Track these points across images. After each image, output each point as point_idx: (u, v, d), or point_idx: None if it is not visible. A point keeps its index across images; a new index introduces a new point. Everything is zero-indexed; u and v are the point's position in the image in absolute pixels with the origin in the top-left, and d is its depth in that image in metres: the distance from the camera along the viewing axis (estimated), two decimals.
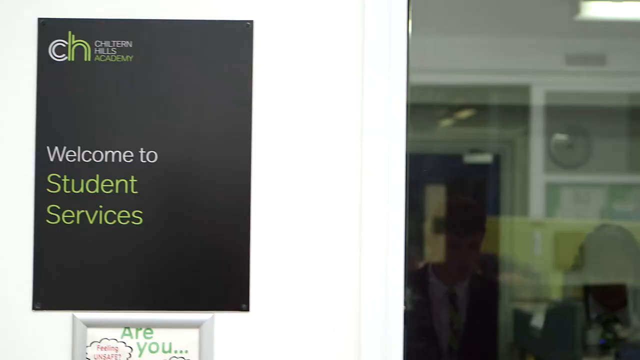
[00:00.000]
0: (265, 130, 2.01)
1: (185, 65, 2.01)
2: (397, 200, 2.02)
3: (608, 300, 4.46)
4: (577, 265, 4.96)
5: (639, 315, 4.63)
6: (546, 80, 5.91)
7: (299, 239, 2.01)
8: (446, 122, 6.49)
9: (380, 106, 2.02)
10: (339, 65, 2.02)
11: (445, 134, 6.59)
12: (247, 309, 2.00)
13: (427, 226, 6.35)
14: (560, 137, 6.54)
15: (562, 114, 6.33)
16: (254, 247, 2.00)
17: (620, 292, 4.48)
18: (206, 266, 2.00)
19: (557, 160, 6.46)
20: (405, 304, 2.04)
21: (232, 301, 2.01)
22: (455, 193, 6.37)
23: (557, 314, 4.97)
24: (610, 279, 4.54)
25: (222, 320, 2.00)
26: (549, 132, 6.53)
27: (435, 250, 6.40)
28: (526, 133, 6.56)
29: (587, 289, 4.81)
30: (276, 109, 2.01)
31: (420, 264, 4.79)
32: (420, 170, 6.09)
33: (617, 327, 4.31)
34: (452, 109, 6.25)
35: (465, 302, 3.93)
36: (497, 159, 6.52)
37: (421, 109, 5.83)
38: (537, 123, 6.45)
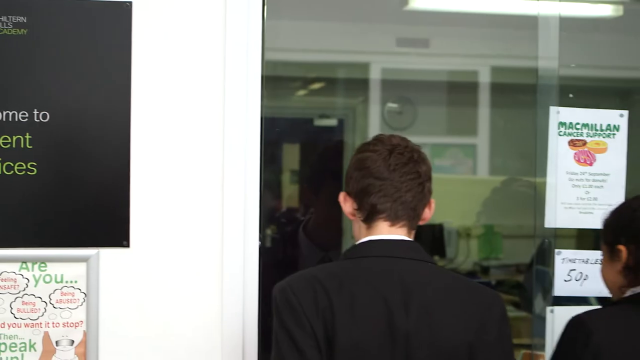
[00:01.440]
0: (143, 95, 2.00)
1: (73, 39, 1.98)
2: (253, 156, 2.05)
3: None
4: None
5: None
6: (381, 59, 6.00)
7: (171, 187, 2.02)
8: (301, 92, 6.54)
9: (239, 78, 2.03)
10: (205, 44, 2.03)
11: (300, 102, 6.63)
12: (127, 245, 2.01)
13: (285, 177, 6.44)
14: (392, 105, 6.70)
15: (393, 87, 6.47)
16: (133, 192, 2.00)
17: None
18: (92, 209, 1.99)
19: (389, 124, 6.59)
20: (260, 239, 2.08)
21: (114, 239, 2.01)
22: (306, 151, 6.48)
23: None
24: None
25: (106, 255, 2.00)
26: (383, 101, 6.66)
27: (290, 196, 6.49)
28: (365, 102, 6.67)
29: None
30: (152, 78, 2.01)
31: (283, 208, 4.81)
32: (278, 131, 6.17)
33: None
34: (306, 82, 6.30)
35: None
36: (341, 122, 6.62)
37: (281, 81, 5.86)
38: (374, 94, 6.57)
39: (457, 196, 6.50)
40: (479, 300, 1.71)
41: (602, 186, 2.38)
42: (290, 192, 6.44)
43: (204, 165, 2.03)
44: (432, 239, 6.04)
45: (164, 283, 2.03)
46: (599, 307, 1.88)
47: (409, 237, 1.75)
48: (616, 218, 1.84)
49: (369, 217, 1.73)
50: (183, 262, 2.03)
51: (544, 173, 2.36)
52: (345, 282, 1.66)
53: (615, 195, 2.37)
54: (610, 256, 1.83)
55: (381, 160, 1.71)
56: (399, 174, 1.71)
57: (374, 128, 6.56)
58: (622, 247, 1.79)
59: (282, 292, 1.67)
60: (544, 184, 2.37)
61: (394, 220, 1.72)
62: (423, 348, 1.63)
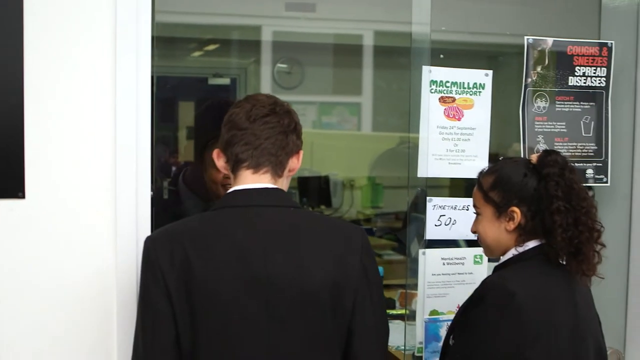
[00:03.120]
0: (36, 51, 1.91)
1: None
2: (143, 113, 1.99)
3: None
4: None
5: None
6: (272, 22, 5.96)
7: (65, 142, 1.95)
8: (197, 53, 6.44)
9: (129, 39, 1.97)
10: (97, 5, 1.94)
11: (196, 62, 6.54)
12: (23, 197, 1.92)
13: (181, 134, 6.35)
14: (281, 65, 6.69)
15: (283, 48, 6.45)
16: (28, 147, 1.92)
17: None
18: None
19: (279, 83, 6.59)
20: (152, 190, 2.04)
21: (10, 190, 1.92)
22: (200, 108, 6.40)
23: None
24: None
25: (2, 206, 1.91)
26: (273, 62, 6.64)
27: (187, 153, 6.40)
28: (257, 62, 6.64)
29: None
30: (45, 36, 1.92)
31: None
32: (174, 89, 6.07)
33: None
34: (201, 43, 6.19)
35: None
36: (234, 82, 6.58)
37: (177, 42, 5.74)
38: (265, 55, 6.53)
39: (343, 151, 6.61)
40: (340, 236, 1.72)
41: (469, 139, 2.44)
42: (186, 148, 6.37)
43: (97, 119, 1.96)
44: (319, 190, 6.10)
45: (59, 234, 1.95)
46: (498, 265, 1.89)
47: (274, 184, 1.73)
48: (506, 182, 1.85)
49: (235, 167, 1.73)
50: (77, 212, 1.96)
51: (417, 129, 2.39)
52: (204, 234, 1.66)
53: (480, 147, 2.44)
54: (498, 216, 1.86)
55: (243, 113, 1.72)
56: (259, 124, 1.71)
57: (265, 87, 6.54)
58: (516, 209, 1.83)
59: (145, 245, 1.67)
60: (417, 139, 2.40)
61: (256, 167, 1.71)
62: (287, 292, 1.63)
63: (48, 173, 1.93)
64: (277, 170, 1.73)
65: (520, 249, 1.84)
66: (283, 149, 1.73)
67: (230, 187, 1.75)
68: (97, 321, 1.97)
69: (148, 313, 1.64)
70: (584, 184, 2.62)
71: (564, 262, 1.81)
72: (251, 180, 1.71)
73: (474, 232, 1.96)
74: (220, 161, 1.76)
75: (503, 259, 1.89)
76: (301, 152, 1.79)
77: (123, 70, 1.95)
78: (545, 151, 1.87)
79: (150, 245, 1.66)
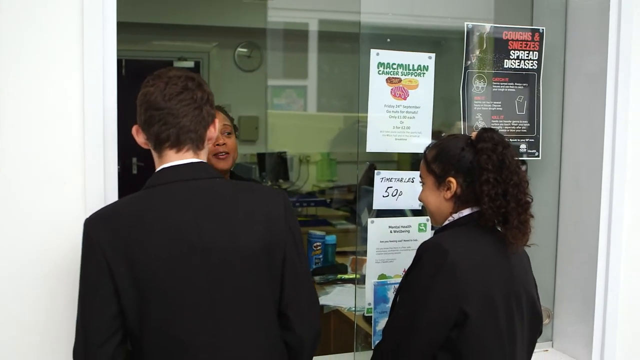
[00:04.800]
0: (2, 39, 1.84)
1: None
2: (109, 91, 1.95)
3: None
4: None
5: None
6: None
7: (35, 123, 1.90)
8: (162, 37, 6.36)
9: (96, 25, 1.92)
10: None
11: (161, 46, 6.45)
12: None
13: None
14: (242, 50, 6.63)
15: (242, 33, 6.39)
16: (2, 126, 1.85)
17: None
18: None
19: (239, 66, 6.55)
20: (119, 165, 2.01)
21: None
22: None
23: None
24: None
25: None
26: (234, 46, 6.59)
27: None
28: (219, 46, 6.57)
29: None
30: (15, 24, 1.85)
31: None
32: (140, 72, 5.96)
33: None
34: (167, 27, 6.10)
35: None
36: (197, 65, 6.52)
37: (142, 27, 5.65)
38: (227, 40, 6.48)
39: (294, 129, 6.62)
40: (266, 200, 1.72)
41: (413, 117, 2.45)
42: None
43: (66, 98, 1.92)
44: (276, 165, 6.09)
45: (32, 200, 1.90)
46: (442, 232, 1.92)
47: (197, 158, 1.71)
48: (445, 155, 1.88)
49: (157, 147, 1.70)
50: (49, 180, 1.91)
51: (365, 108, 2.39)
52: (140, 212, 1.63)
53: (424, 124, 2.45)
54: (438, 186, 1.89)
55: (158, 92, 1.67)
56: (175, 102, 1.67)
57: (226, 70, 6.51)
58: (452, 179, 1.86)
59: (85, 226, 1.62)
60: (366, 117, 2.40)
61: (178, 146, 1.68)
62: (222, 258, 1.63)
63: (20, 148, 1.88)
64: (198, 144, 1.71)
65: (456, 216, 1.87)
66: (200, 123, 1.70)
67: (156, 164, 1.72)
68: (65, 299, 1.93)
69: (88, 291, 1.61)
70: (518, 158, 2.67)
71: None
72: (175, 158, 1.69)
73: (420, 200, 1.99)
74: (140, 137, 1.73)
75: (440, 226, 1.93)
76: (216, 121, 1.76)
77: (90, 56, 1.91)
78: (483, 129, 1.89)
79: (89, 227, 1.62)
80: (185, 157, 1.69)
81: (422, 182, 1.96)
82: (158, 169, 1.70)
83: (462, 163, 1.85)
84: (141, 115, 1.69)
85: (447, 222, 1.90)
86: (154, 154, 1.72)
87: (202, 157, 1.73)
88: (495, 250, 1.82)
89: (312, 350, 1.81)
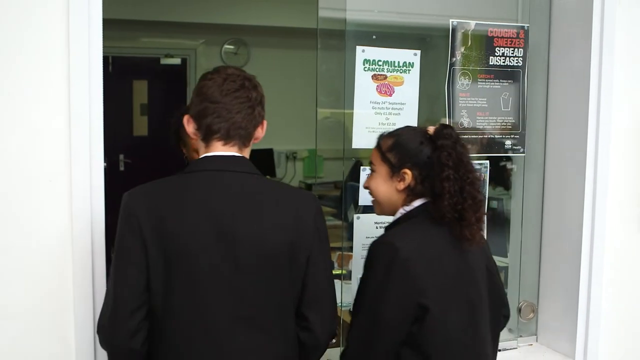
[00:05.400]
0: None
1: None
2: (96, 88, 1.94)
3: None
4: None
5: None
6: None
7: (19, 120, 1.88)
8: (149, 34, 6.33)
9: (82, 20, 1.91)
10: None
11: (148, 43, 6.42)
12: None
13: (135, 109, 6.25)
14: (228, 46, 6.62)
15: (230, 30, 6.37)
16: None
17: None
18: None
19: (226, 63, 6.53)
20: (105, 161, 1.99)
21: None
22: (154, 86, 6.31)
23: None
24: None
25: None
26: (221, 43, 6.57)
27: (139, 126, 6.31)
28: (206, 43, 6.55)
29: None
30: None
31: None
32: (128, 69, 5.95)
33: None
34: (153, 24, 6.07)
35: None
36: (184, 61, 6.49)
37: (129, 24, 5.62)
38: (214, 37, 6.46)
39: (280, 125, 6.62)
40: (297, 201, 1.77)
41: (399, 113, 2.45)
42: (139, 123, 6.28)
43: (52, 96, 1.90)
44: (264, 161, 6.09)
45: (19, 197, 1.89)
46: (388, 225, 1.93)
47: (241, 153, 1.76)
48: (403, 146, 1.89)
49: (206, 137, 1.75)
50: (36, 179, 1.90)
51: (351, 105, 2.39)
52: (178, 192, 1.69)
53: (409, 120, 2.45)
54: (391, 176, 1.89)
55: (215, 87, 1.73)
56: (230, 98, 1.72)
57: (212, 66, 6.46)
58: (408, 171, 1.86)
59: (123, 199, 1.67)
60: (352, 114, 2.40)
61: (226, 139, 1.74)
62: (249, 248, 1.66)
63: (6, 142, 1.87)
64: (245, 141, 1.76)
65: (408, 208, 1.88)
66: (251, 122, 1.75)
67: (200, 153, 1.77)
68: (50, 295, 1.93)
69: (123, 259, 1.65)
70: (504, 154, 2.68)
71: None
72: (221, 150, 1.74)
73: (366, 187, 1.99)
74: (190, 127, 1.77)
75: (393, 219, 1.93)
76: (265, 122, 1.81)
77: (75, 53, 1.90)
78: (441, 125, 1.91)
79: (128, 199, 1.67)
80: (230, 150, 1.74)
81: (372, 169, 1.96)
82: (202, 156, 1.75)
83: (420, 157, 1.86)
84: (196, 106, 1.74)
85: (398, 215, 1.91)
86: (200, 144, 1.77)
87: (246, 154, 1.78)
88: (447, 241, 1.82)
89: (325, 350, 1.85)
